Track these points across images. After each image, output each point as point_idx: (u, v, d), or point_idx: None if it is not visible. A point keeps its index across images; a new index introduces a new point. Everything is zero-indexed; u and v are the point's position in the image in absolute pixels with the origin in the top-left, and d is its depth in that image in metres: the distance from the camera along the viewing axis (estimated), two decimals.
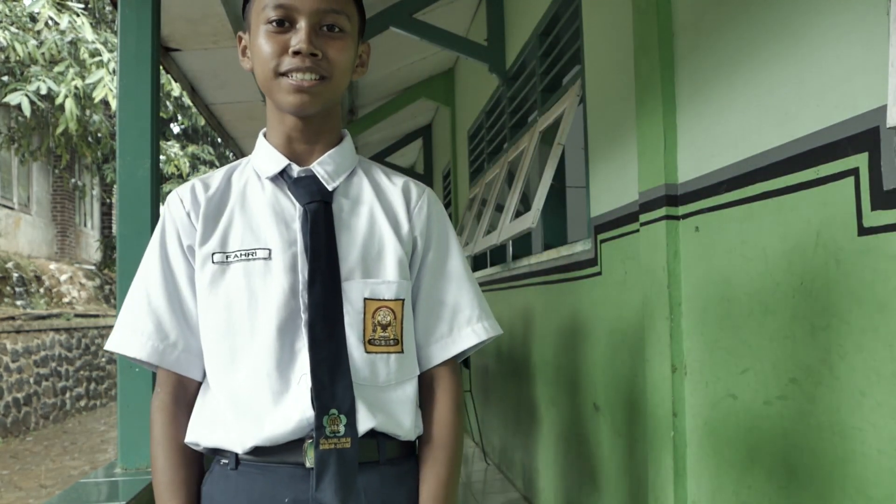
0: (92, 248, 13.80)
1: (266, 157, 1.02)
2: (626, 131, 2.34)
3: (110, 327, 11.35)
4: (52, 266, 11.03)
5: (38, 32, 8.58)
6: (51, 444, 7.85)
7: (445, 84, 6.15)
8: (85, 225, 13.93)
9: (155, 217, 2.03)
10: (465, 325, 1.05)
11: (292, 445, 0.94)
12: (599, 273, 2.64)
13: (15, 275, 9.46)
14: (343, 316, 0.95)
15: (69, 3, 8.71)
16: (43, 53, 8.45)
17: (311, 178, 1.00)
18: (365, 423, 0.95)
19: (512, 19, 4.14)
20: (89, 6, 10.15)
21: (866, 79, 1.25)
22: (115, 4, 2.16)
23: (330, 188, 1.00)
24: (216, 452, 0.99)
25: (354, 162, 1.07)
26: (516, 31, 3.99)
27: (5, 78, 8.78)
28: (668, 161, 1.96)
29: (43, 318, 9.26)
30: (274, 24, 0.94)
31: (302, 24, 0.93)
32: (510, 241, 3.90)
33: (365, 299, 0.97)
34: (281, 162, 1.01)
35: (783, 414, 1.52)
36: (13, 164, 11.05)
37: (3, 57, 8.62)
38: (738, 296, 1.69)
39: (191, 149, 13.04)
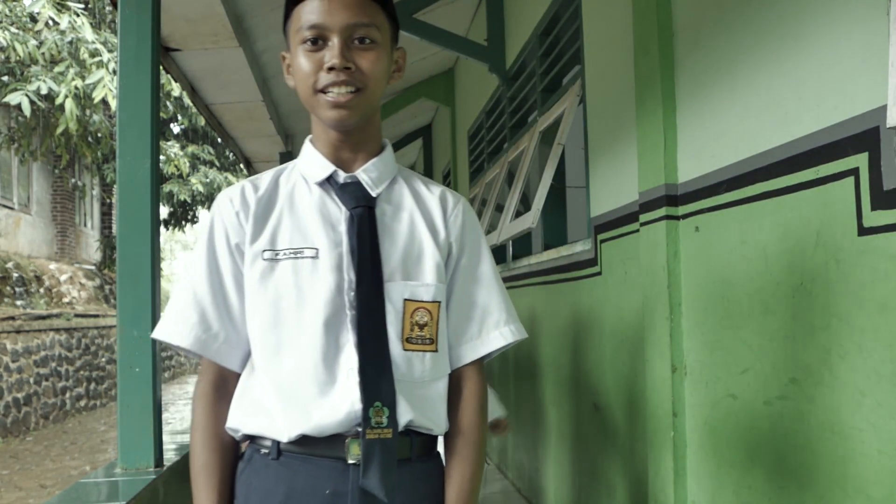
0: (92, 248, 13.80)
1: (313, 163, 1.08)
2: (626, 131, 2.34)
3: (110, 327, 11.36)
4: (52, 266, 11.03)
5: (38, 32, 8.57)
6: (51, 444, 7.85)
7: (445, 84, 6.15)
8: (85, 225, 13.93)
9: (155, 217, 2.03)
10: (493, 328, 1.11)
11: (334, 439, 0.99)
12: (599, 273, 2.64)
13: (15, 275, 9.46)
14: (385, 315, 1.02)
15: (69, 3, 8.71)
16: (43, 53, 8.45)
17: (357, 185, 1.06)
18: (404, 415, 1.01)
19: (512, 19, 4.14)
20: (89, 6, 10.15)
21: (866, 79, 1.25)
22: (115, 4, 2.16)
23: (374, 194, 1.07)
24: (255, 440, 1.04)
25: (395, 170, 1.13)
26: (516, 31, 3.99)
27: (5, 78, 8.77)
28: (668, 161, 1.96)
29: (43, 318, 9.26)
30: (308, 43, 0.99)
31: (334, 41, 0.98)
32: (510, 241, 3.90)
33: (405, 300, 1.03)
34: (328, 168, 1.07)
35: (783, 414, 1.52)
36: (13, 164, 11.05)
37: (3, 57, 8.61)
38: (738, 296, 1.69)
39: (191, 149, 13.02)
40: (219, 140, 9.66)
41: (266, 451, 1.02)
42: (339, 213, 1.05)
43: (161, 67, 3.25)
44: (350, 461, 0.98)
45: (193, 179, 13.05)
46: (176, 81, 3.96)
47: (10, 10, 8.61)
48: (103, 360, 10.90)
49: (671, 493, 1.94)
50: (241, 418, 1.04)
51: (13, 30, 8.31)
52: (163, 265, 12.27)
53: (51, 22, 8.53)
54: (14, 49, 8.11)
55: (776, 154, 1.53)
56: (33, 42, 8.38)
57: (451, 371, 1.10)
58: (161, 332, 1.06)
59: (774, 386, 1.54)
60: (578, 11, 2.90)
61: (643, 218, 2.10)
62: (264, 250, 1.03)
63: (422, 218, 1.09)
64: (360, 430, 0.97)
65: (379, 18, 1.02)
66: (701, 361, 1.86)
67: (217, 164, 13.86)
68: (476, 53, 4.21)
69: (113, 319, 10.85)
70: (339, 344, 1.00)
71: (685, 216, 1.93)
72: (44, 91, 8.31)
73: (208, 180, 13.25)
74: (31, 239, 11.53)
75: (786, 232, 1.50)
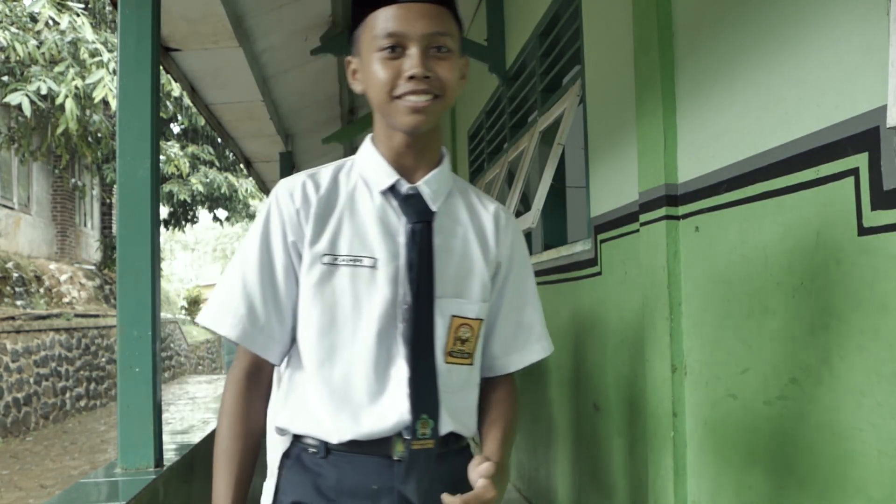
0: (92, 248, 13.79)
1: (376, 168, 1.08)
2: (626, 131, 2.34)
3: (110, 327, 11.34)
4: (52, 266, 11.03)
5: (39, 32, 8.58)
6: (51, 444, 7.86)
7: None
8: (85, 225, 13.92)
9: (155, 217, 2.03)
10: (535, 343, 1.18)
11: (381, 440, 1.03)
12: (599, 273, 2.64)
13: (15, 275, 9.46)
14: (434, 330, 1.04)
15: (69, 3, 8.71)
16: (43, 53, 8.45)
17: (418, 197, 1.07)
18: (446, 426, 1.05)
19: (512, 19, 4.14)
20: (89, 6, 10.15)
21: (866, 79, 1.25)
22: (115, 4, 2.16)
23: (434, 208, 1.07)
24: (300, 438, 1.07)
25: (452, 181, 1.13)
26: (516, 31, 3.99)
27: (5, 78, 8.78)
28: (668, 161, 1.96)
29: (43, 318, 9.26)
30: (387, 50, 0.99)
31: (413, 50, 0.98)
32: None
33: (452, 316, 1.06)
34: (391, 176, 1.07)
35: (783, 414, 1.52)
36: (13, 164, 11.05)
37: (3, 57, 8.62)
38: (738, 296, 1.69)
39: (191, 149, 13.03)
40: (219, 140, 9.66)
41: (314, 450, 1.05)
42: (398, 225, 1.06)
43: (161, 67, 3.25)
44: (395, 458, 1.02)
45: (193, 179, 13.05)
46: (176, 81, 3.96)
47: (10, 10, 8.61)
48: (103, 360, 10.90)
49: (671, 493, 1.94)
50: (290, 419, 1.06)
51: (13, 30, 8.31)
52: (163, 265, 12.28)
53: (51, 22, 8.54)
54: (14, 49, 8.11)
55: (776, 154, 1.53)
56: (33, 42, 8.38)
57: (494, 376, 1.17)
58: (208, 319, 1.07)
59: (774, 386, 1.54)
60: (578, 11, 2.90)
61: (643, 218, 2.10)
62: (324, 254, 1.03)
63: (475, 235, 1.11)
64: (407, 437, 1.02)
65: (452, 27, 1.03)
66: (701, 361, 1.86)
67: (217, 164, 13.86)
68: (476, 53, 4.21)
69: (113, 319, 10.85)
70: (390, 355, 1.03)
71: (685, 216, 1.93)
72: (44, 91, 8.32)
73: (208, 180, 13.26)
74: (31, 239, 11.53)
75: (786, 232, 1.50)
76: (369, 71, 1.01)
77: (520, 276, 1.16)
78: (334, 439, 1.02)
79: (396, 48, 0.99)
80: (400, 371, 1.02)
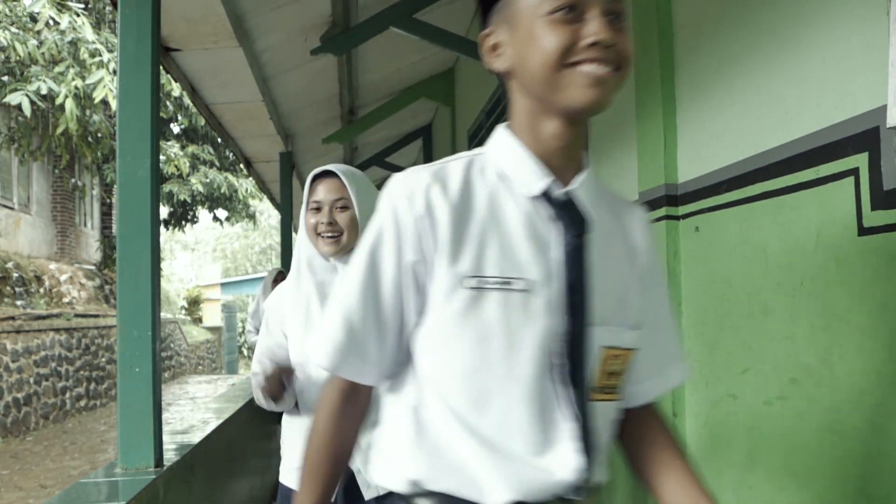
0: (92, 248, 13.80)
1: (523, 167, 0.89)
2: (626, 131, 2.34)
3: (110, 327, 11.36)
4: (52, 266, 11.03)
5: (39, 32, 8.58)
6: (51, 444, 7.86)
7: (445, 84, 6.14)
8: (85, 225, 13.92)
9: (155, 217, 2.03)
10: (675, 363, 1.01)
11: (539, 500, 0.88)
12: None
13: (15, 275, 9.47)
14: (588, 365, 0.87)
15: (69, 3, 8.72)
16: (43, 53, 8.46)
17: (573, 205, 0.88)
18: (599, 477, 0.90)
19: None
20: (89, 6, 10.16)
21: (866, 79, 1.25)
22: (115, 4, 2.16)
23: (592, 219, 0.89)
24: (409, 498, 0.90)
25: (598, 185, 0.96)
26: None
27: (5, 78, 8.78)
28: (668, 161, 1.96)
29: (43, 318, 9.27)
30: (562, 11, 0.82)
31: (594, 13, 0.82)
32: None
33: (605, 347, 0.89)
34: (543, 178, 0.88)
35: (783, 414, 1.52)
36: (13, 164, 11.05)
37: (3, 57, 8.62)
38: (738, 296, 1.69)
39: (191, 149, 13.04)
40: (219, 140, 9.67)
41: None
42: (548, 237, 0.87)
43: (161, 67, 3.25)
44: None
45: (193, 179, 13.06)
46: (176, 81, 3.96)
47: (11, 10, 8.61)
48: (103, 360, 10.90)
49: None
50: (428, 473, 0.87)
51: (13, 30, 8.32)
52: (163, 265, 12.28)
53: (51, 22, 8.55)
54: (14, 49, 8.11)
55: (776, 154, 1.53)
56: (33, 42, 8.39)
57: (638, 405, 1.00)
58: (312, 347, 0.94)
59: (774, 386, 1.54)
60: None
61: None
62: (468, 276, 0.85)
63: (626, 249, 0.95)
64: (571, 497, 0.87)
65: None
66: (701, 361, 1.86)
67: (217, 164, 13.87)
68: (476, 53, 4.17)
69: (113, 319, 10.85)
70: (549, 399, 0.86)
71: (685, 216, 1.93)
72: (44, 91, 8.33)
73: (208, 180, 13.26)
74: (31, 239, 11.53)
75: (786, 232, 1.50)
76: (531, 38, 0.84)
77: (659, 285, 0.99)
78: (491, 501, 0.84)
79: (574, 9, 0.82)
80: (564, 419, 0.86)
